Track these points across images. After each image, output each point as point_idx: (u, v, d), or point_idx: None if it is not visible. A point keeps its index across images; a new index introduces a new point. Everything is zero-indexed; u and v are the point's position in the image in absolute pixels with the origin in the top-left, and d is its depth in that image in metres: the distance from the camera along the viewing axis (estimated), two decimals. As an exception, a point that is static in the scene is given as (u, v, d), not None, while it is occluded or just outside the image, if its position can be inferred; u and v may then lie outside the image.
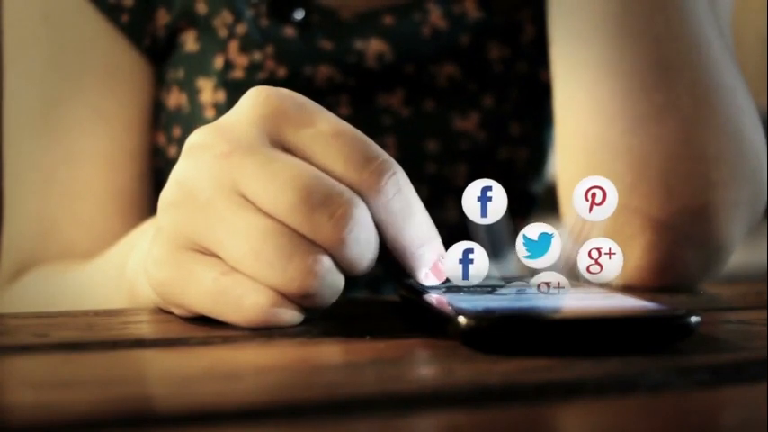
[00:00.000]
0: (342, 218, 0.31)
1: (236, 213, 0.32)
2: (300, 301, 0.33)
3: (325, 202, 0.31)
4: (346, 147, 0.33)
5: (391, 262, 0.35)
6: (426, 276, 0.35)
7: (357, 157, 0.33)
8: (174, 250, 0.34)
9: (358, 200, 0.32)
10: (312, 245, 0.32)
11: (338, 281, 0.33)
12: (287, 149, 0.33)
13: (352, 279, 0.34)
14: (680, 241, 0.50)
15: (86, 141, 0.59)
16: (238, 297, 0.32)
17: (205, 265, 0.33)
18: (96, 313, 0.38)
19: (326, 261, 0.32)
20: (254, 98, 0.34)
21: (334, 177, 0.32)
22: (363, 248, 0.33)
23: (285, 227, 0.32)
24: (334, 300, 0.33)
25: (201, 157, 0.33)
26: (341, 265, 0.33)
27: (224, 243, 0.32)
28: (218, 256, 0.33)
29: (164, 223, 0.34)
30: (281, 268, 0.31)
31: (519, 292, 0.35)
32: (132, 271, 0.40)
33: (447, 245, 0.35)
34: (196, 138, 0.34)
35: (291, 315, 0.33)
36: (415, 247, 0.34)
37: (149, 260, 0.35)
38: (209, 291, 0.33)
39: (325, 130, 0.33)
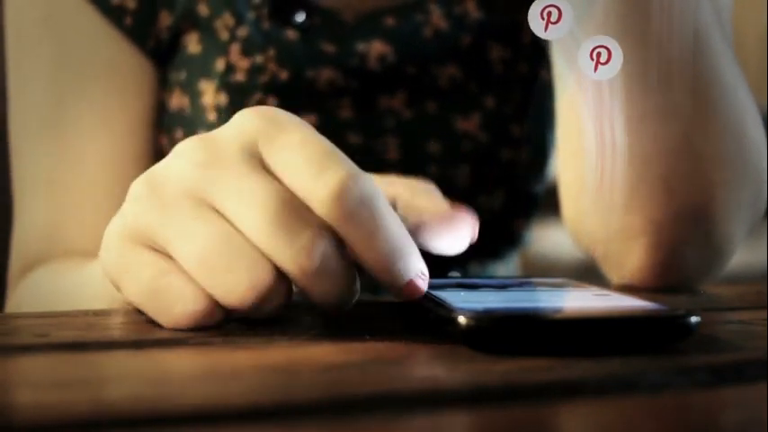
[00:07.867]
0: (304, 248, 0.31)
1: (197, 217, 0.32)
2: (236, 311, 0.32)
3: (289, 228, 0.31)
4: (306, 158, 0.32)
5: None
6: (402, 293, 0.32)
7: (314, 169, 0.31)
8: (125, 240, 0.34)
9: (324, 231, 0.31)
10: (260, 258, 0.31)
11: (281, 299, 0.32)
12: (264, 164, 0.33)
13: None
14: (681, 241, 0.50)
15: (91, 144, 0.59)
16: (170, 301, 0.32)
17: (148, 261, 0.33)
18: (96, 313, 0.38)
19: (271, 274, 0.31)
20: (240, 115, 0.34)
21: (294, 189, 0.32)
22: (329, 281, 0.32)
23: (241, 237, 0.31)
24: (273, 313, 0.32)
25: (178, 161, 0.33)
26: (311, 297, 0.32)
27: (176, 243, 0.32)
28: (168, 256, 0.33)
29: (125, 213, 0.34)
30: (221, 276, 0.31)
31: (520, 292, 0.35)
32: None
33: None
34: (182, 145, 0.34)
35: (217, 320, 0.33)
36: (388, 264, 0.32)
37: (103, 243, 0.35)
38: (144, 288, 0.33)
39: (289, 141, 0.32)
